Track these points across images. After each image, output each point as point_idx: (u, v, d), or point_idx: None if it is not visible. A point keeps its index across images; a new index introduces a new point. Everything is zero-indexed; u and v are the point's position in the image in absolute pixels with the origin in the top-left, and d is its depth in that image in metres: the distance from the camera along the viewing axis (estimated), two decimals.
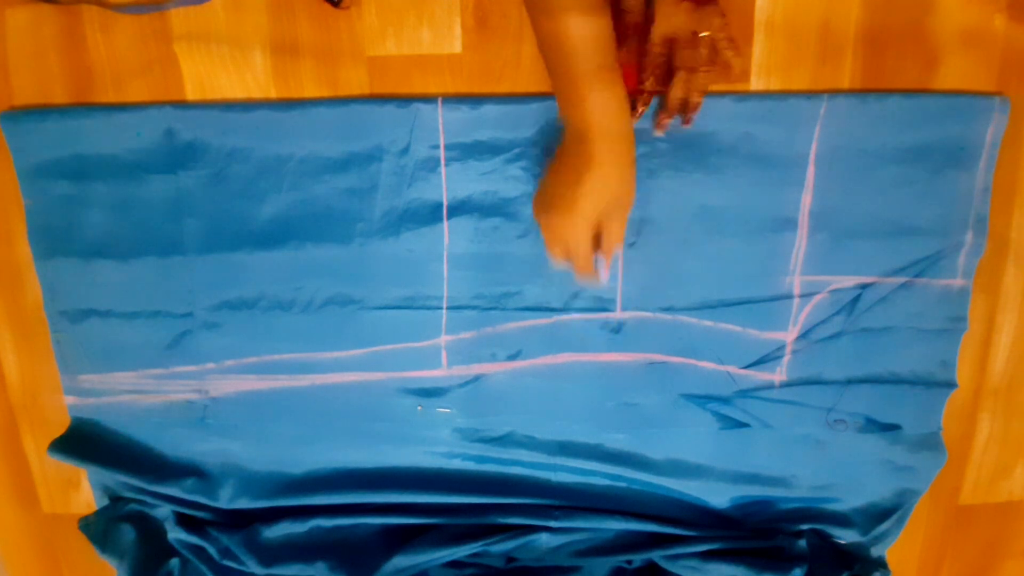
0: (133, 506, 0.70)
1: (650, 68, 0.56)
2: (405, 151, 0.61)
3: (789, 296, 0.63)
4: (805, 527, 0.68)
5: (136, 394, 0.68)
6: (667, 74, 0.56)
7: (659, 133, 0.59)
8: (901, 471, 0.67)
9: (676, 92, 0.56)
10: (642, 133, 0.60)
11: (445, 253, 0.63)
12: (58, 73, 0.62)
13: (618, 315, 0.64)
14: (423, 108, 0.60)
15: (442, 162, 0.61)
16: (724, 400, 0.65)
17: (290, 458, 0.69)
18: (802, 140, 0.60)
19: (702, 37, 0.54)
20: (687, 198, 0.61)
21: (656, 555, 0.66)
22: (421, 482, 0.67)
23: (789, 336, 0.64)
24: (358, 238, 0.63)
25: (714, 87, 0.59)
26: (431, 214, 0.62)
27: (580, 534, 0.68)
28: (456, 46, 0.60)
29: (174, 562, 0.70)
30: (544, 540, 0.67)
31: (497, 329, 0.65)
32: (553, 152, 0.54)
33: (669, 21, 0.54)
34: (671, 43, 0.55)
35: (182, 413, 0.68)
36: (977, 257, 0.62)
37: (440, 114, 0.60)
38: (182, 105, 0.61)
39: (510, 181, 0.61)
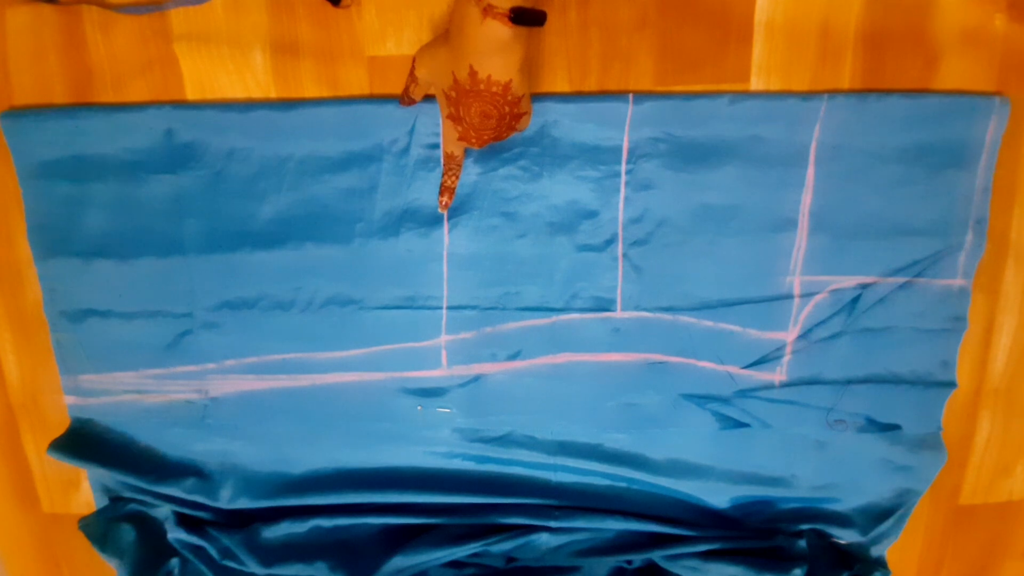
0: (133, 506, 0.70)
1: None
2: (405, 151, 0.61)
3: (789, 296, 0.63)
4: (805, 527, 0.68)
5: (136, 394, 0.68)
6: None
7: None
8: (901, 471, 0.67)
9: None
10: (646, 143, 0.60)
11: (445, 253, 0.63)
12: (58, 73, 0.62)
13: (618, 315, 0.64)
14: (423, 108, 0.60)
15: (442, 162, 0.61)
16: (724, 400, 0.65)
17: (290, 458, 0.69)
18: (802, 140, 0.60)
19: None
20: (687, 198, 0.61)
21: (656, 555, 0.66)
22: (421, 482, 0.67)
23: (789, 336, 0.64)
24: (358, 238, 0.63)
25: (714, 87, 0.59)
26: (431, 214, 0.62)
27: (580, 534, 0.68)
28: None
29: (174, 562, 0.70)
30: (544, 540, 0.67)
31: (497, 329, 0.65)
32: None
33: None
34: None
35: (182, 413, 0.68)
36: (977, 257, 0.62)
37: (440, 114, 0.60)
38: (182, 105, 0.61)
39: (510, 181, 0.61)
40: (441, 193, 0.59)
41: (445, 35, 0.51)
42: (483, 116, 0.50)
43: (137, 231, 0.63)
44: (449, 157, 0.57)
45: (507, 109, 0.50)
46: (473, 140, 0.53)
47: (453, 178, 0.58)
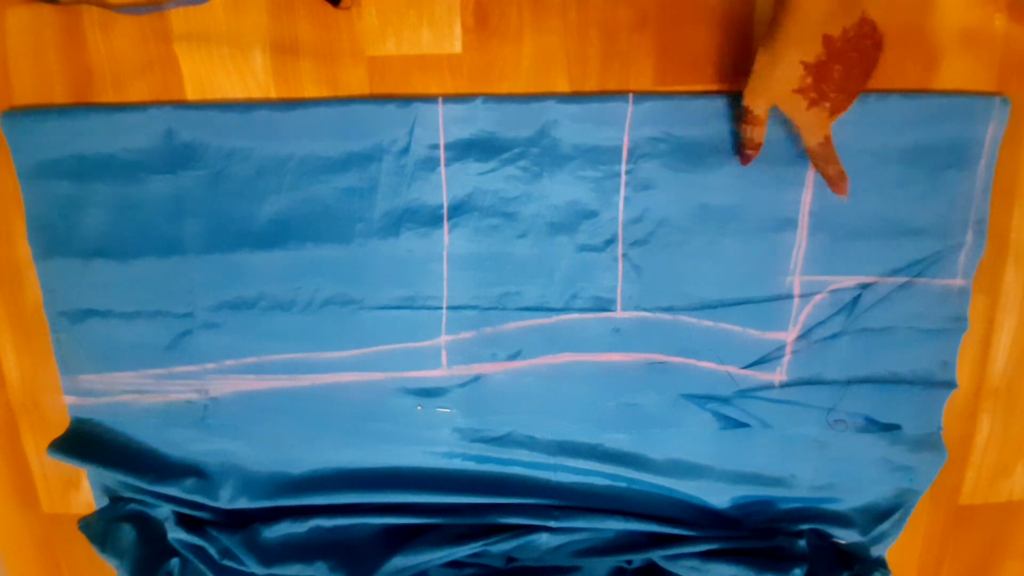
0: (133, 506, 0.70)
1: None
2: (405, 151, 0.61)
3: (789, 296, 0.63)
4: (805, 527, 0.67)
5: (136, 394, 0.68)
6: None
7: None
8: (901, 471, 0.67)
9: None
10: (645, 143, 0.60)
11: (445, 253, 0.63)
12: (58, 73, 0.62)
13: (618, 315, 0.64)
14: (423, 108, 0.60)
15: (442, 162, 0.61)
16: (724, 400, 0.65)
17: (290, 458, 0.69)
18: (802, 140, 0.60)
19: None
20: (687, 198, 0.61)
21: (656, 555, 0.66)
22: (421, 482, 0.67)
23: (789, 336, 0.64)
24: (358, 238, 0.63)
25: (714, 87, 0.59)
26: (431, 214, 0.62)
27: (580, 534, 0.68)
28: (456, 46, 0.60)
29: (174, 562, 0.70)
30: (544, 540, 0.67)
31: (497, 329, 0.65)
32: None
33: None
34: None
35: (182, 413, 0.68)
36: (977, 257, 0.62)
37: (440, 114, 0.60)
38: (182, 105, 0.61)
39: (510, 181, 0.61)
40: (835, 182, 0.57)
41: (764, 54, 0.52)
42: (867, 63, 0.52)
43: (137, 231, 0.63)
44: (823, 146, 0.56)
45: (877, 41, 0.51)
46: (849, 101, 0.53)
47: (839, 164, 0.56)
